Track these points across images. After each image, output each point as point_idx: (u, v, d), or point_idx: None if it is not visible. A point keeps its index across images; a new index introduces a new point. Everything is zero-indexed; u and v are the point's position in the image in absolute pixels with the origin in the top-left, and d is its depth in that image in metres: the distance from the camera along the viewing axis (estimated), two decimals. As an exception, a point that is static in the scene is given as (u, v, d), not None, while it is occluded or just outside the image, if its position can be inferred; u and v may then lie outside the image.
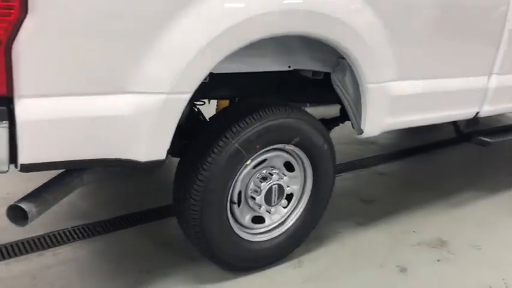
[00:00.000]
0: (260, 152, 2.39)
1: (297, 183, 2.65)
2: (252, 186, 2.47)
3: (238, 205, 2.48)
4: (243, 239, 2.49)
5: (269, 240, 2.60)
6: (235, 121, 2.28)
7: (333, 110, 3.13)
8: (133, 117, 1.90)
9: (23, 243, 2.73)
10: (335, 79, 2.68)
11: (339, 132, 3.40)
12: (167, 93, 1.93)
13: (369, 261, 2.79)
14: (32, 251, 2.67)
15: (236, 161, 2.29)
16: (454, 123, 4.48)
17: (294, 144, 2.48)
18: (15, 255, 2.62)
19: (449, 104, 2.96)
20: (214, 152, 2.23)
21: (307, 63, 2.59)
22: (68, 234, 2.85)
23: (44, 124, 1.73)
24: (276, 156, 2.51)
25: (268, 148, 2.42)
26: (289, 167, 2.60)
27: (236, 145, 2.26)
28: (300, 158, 2.59)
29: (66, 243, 2.76)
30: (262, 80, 2.71)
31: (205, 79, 2.22)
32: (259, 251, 2.56)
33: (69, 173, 2.14)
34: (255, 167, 2.46)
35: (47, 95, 1.72)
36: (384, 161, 4.44)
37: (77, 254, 2.67)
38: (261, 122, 2.31)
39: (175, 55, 1.89)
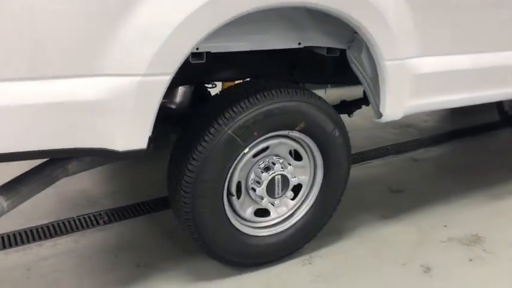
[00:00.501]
0: (260, 139, 2.16)
1: (306, 174, 2.41)
2: (252, 176, 2.26)
3: (238, 197, 2.27)
4: (244, 233, 2.29)
5: (275, 234, 2.39)
6: (229, 105, 2.07)
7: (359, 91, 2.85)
8: (105, 102, 1.72)
9: (26, 232, 2.67)
10: (351, 56, 2.39)
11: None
12: (142, 75, 1.74)
13: (389, 260, 2.52)
14: (34, 240, 2.60)
15: (231, 150, 2.08)
16: (499, 105, 4.07)
17: (299, 131, 2.23)
18: (16, 244, 2.56)
19: (484, 82, 2.59)
20: (205, 140, 2.03)
21: (318, 40, 2.31)
22: (71, 223, 2.76)
23: (5, 111, 1.59)
24: (279, 144, 2.28)
25: (269, 135, 2.19)
26: (296, 155, 2.36)
27: (229, 132, 2.04)
28: (308, 146, 2.34)
29: (69, 233, 2.67)
30: (272, 60, 2.47)
31: (201, 59, 2.03)
32: (263, 246, 2.35)
33: (52, 162, 2.01)
34: (255, 155, 2.24)
35: (4, 80, 1.58)
36: (420, 146, 4.07)
37: (78, 244, 2.58)
38: (258, 106, 2.08)
39: (149, 33, 1.69)
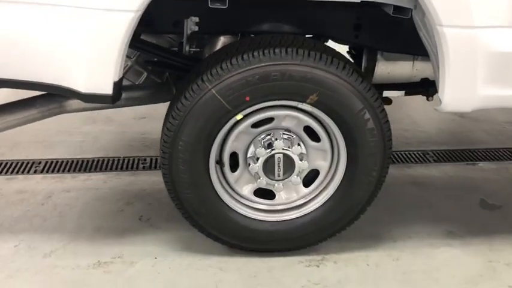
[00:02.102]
0: (257, 106, 1.80)
1: (325, 159, 1.96)
2: (252, 150, 1.91)
3: (234, 170, 1.96)
4: (235, 211, 1.98)
5: (279, 222, 2.02)
6: (219, 62, 1.74)
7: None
8: (63, 36, 1.59)
9: (68, 162, 2.78)
10: (417, 20, 1.82)
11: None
12: (103, 10, 1.55)
13: (420, 290, 1.95)
14: (72, 171, 2.70)
15: (216, 112, 1.76)
16: None
17: (311, 104, 1.79)
18: (56, 172, 2.69)
19: None
20: (185, 98, 1.76)
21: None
22: (113, 163, 2.80)
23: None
24: (287, 117, 1.87)
25: (270, 103, 1.80)
26: (317, 134, 1.93)
27: (213, 91, 1.73)
28: (329, 126, 1.88)
29: (105, 171, 2.71)
30: (331, 17, 2.03)
31: (223, 4, 1.74)
32: (262, 231, 2.01)
33: (44, 97, 1.97)
34: (256, 126, 1.88)
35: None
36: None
37: (105, 184, 2.59)
38: (252, 65, 1.71)
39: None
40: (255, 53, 1.71)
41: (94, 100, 1.70)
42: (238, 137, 1.88)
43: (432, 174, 2.82)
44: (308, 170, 1.98)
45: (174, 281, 1.94)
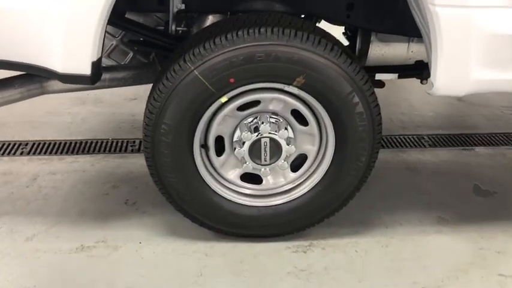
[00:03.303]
0: (242, 89, 1.74)
1: (313, 143, 1.90)
2: (238, 134, 1.86)
3: (220, 154, 1.91)
4: (220, 195, 1.93)
5: (265, 207, 1.97)
6: (202, 42, 1.67)
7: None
8: (37, 14, 1.54)
9: (55, 144, 2.73)
10: None
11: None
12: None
13: (405, 279, 1.90)
14: (59, 153, 2.65)
15: (199, 94, 1.70)
16: None
17: (298, 87, 1.73)
18: (44, 153, 2.64)
19: None
20: (167, 79, 1.70)
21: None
22: (101, 145, 2.75)
23: None
24: (274, 100, 1.81)
25: (255, 86, 1.74)
26: (303, 118, 1.87)
27: (196, 73, 1.67)
28: (317, 109, 1.82)
29: (92, 153, 2.66)
30: None
31: None
32: (249, 217, 1.97)
33: (23, 77, 1.91)
34: (242, 109, 1.82)
35: None
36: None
37: (92, 167, 2.54)
38: (236, 46, 1.64)
39: None
40: (240, 33, 1.64)
41: (72, 81, 1.65)
42: (224, 120, 1.82)
43: (426, 159, 2.77)
44: (296, 155, 1.93)
45: (157, 266, 1.90)
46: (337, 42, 1.77)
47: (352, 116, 1.78)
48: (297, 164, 1.96)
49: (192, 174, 1.86)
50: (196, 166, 1.87)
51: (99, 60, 1.64)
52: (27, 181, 2.39)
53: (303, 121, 1.87)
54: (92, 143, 2.75)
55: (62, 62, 1.60)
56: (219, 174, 1.94)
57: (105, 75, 2.06)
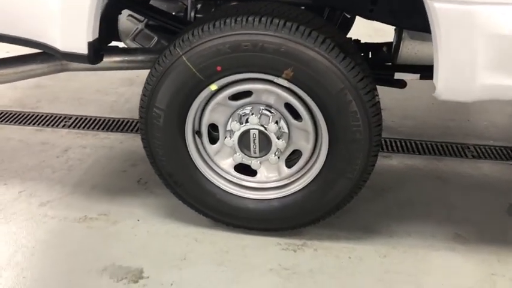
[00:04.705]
0: (232, 78, 1.72)
1: (307, 140, 1.83)
2: (230, 123, 1.84)
3: (213, 142, 1.91)
4: (214, 184, 1.93)
5: (258, 200, 1.95)
6: (192, 28, 1.68)
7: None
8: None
9: (94, 120, 2.89)
10: None
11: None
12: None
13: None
14: (96, 129, 2.81)
15: (187, 80, 1.72)
16: None
17: (288, 80, 1.67)
18: (82, 128, 2.82)
19: None
20: (158, 63, 1.73)
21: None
22: (133, 124, 2.86)
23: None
24: (265, 92, 1.77)
25: (244, 76, 1.72)
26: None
27: (184, 58, 1.68)
28: (310, 105, 1.74)
29: (125, 132, 2.79)
30: None
31: None
32: (240, 208, 1.95)
33: (37, 56, 2.05)
34: (235, 98, 1.80)
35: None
36: None
37: (120, 144, 2.67)
38: (223, 34, 1.62)
39: None
40: (227, 21, 1.62)
41: (72, 59, 1.75)
42: (216, 108, 1.82)
43: (464, 171, 2.53)
44: (291, 150, 1.87)
45: (146, 245, 1.96)
46: (334, 35, 1.67)
47: (344, 115, 1.68)
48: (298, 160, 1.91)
49: (183, 159, 1.89)
50: (188, 152, 1.89)
51: (97, 40, 1.72)
52: (59, 152, 2.57)
53: (298, 116, 1.80)
54: (127, 122, 2.89)
55: (61, 41, 1.70)
56: (213, 161, 1.95)
57: (124, 57, 2.16)
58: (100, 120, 2.91)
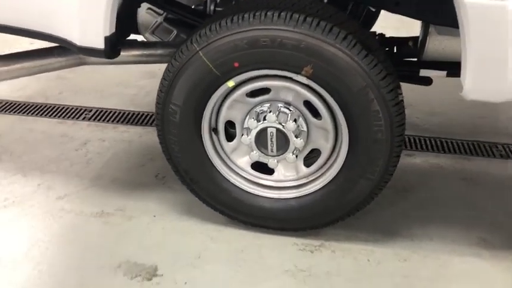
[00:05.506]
0: (250, 74, 1.67)
1: (326, 139, 1.77)
2: (247, 120, 1.80)
3: (230, 139, 1.87)
4: (231, 183, 1.89)
5: (275, 199, 1.90)
6: (210, 23, 1.63)
7: None
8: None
9: (114, 113, 2.89)
10: None
11: None
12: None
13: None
14: (116, 122, 2.81)
15: (204, 76, 1.68)
16: None
17: (307, 77, 1.62)
18: (100, 120, 2.81)
19: None
20: (175, 59, 1.70)
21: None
22: (152, 118, 2.83)
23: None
24: (284, 89, 1.71)
25: (263, 72, 1.66)
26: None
27: (200, 54, 1.64)
28: (330, 103, 1.68)
29: (146, 126, 2.77)
30: None
31: None
32: (257, 207, 1.91)
33: (53, 50, 2.04)
34: (253, 95, 1.75)
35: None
36: None
37: (140, 138, 2.66)
38: (241, 29, 1.57)
39: None
40: (245, 15, 1.57)
41: (89, 53, 1.72)
42: (234, 105, 1.78)
43: (493, 171, 2.43)
44: (309, 149, 1.82)
45: (160, 242, 1.94)
46: (357, 31, 1.60)
47: (366, 114, 1.62)
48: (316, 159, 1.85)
49: (200, 156, 1.86)
50: (205, 149, 1.85)
51: (114, 35, 1.69)
52: (78, 145, 2.58)
53: (318, 114, 1.75)
54: (147, 116, 2.88)
55: (78, 35, 1.68)
56: (230, 159, 1.91)
57: (142, 51, 2.13)
58: (120, 113, 2.90)
